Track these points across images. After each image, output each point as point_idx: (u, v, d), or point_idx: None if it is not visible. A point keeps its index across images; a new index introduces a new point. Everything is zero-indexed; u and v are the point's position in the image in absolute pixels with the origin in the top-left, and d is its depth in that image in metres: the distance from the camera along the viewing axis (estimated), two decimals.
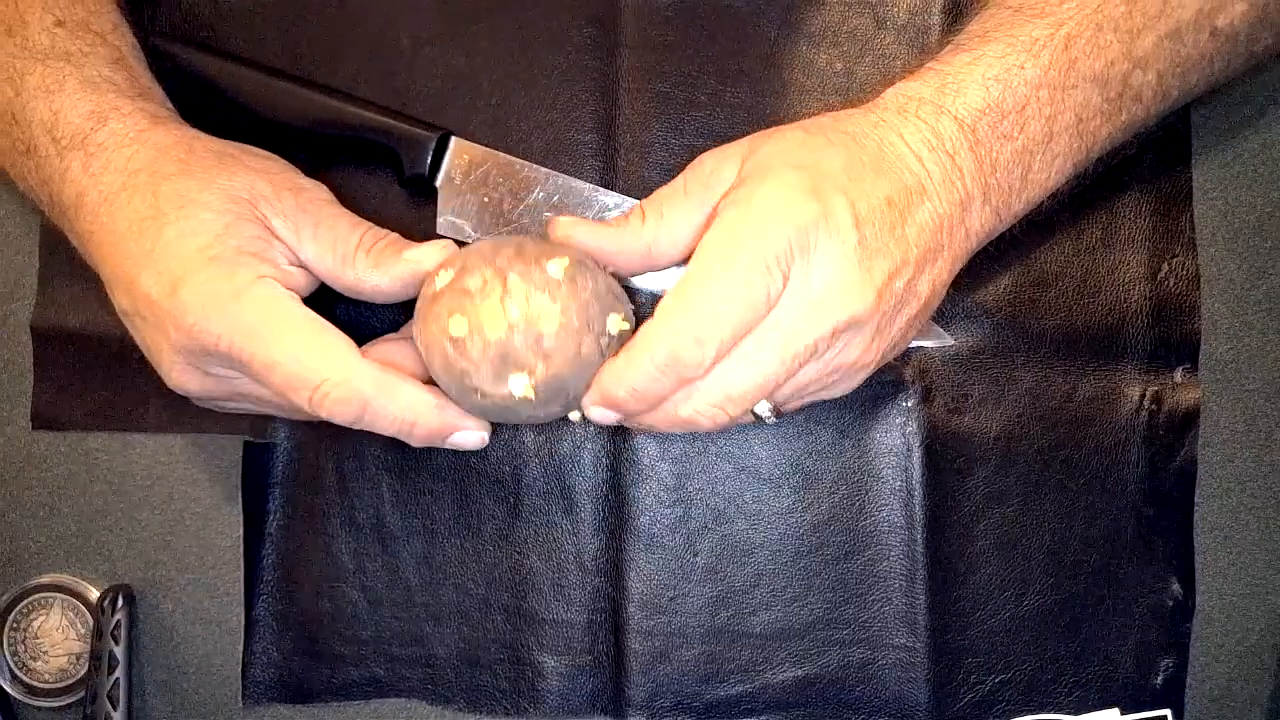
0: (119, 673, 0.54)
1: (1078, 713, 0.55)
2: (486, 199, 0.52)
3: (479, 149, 0.52)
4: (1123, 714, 0.55)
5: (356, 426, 0.45)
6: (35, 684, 0.56)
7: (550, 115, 0.54)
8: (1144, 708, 0.55)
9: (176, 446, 0.56)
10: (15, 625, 0.56)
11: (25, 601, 0.56)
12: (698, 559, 0.55)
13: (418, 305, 0.46)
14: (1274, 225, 0.56)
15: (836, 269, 0.42)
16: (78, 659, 0.56)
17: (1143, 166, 0.55)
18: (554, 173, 0.52)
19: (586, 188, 0.52)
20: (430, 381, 0.46)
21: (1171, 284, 0.55)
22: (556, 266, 0.44)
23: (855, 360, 0.45)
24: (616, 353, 0.44)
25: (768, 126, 0.54)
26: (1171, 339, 0.55)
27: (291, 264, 0.46)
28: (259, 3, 0.55)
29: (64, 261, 0.55)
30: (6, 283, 0.57)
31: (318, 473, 0.55)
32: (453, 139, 0.52)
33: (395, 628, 0.55)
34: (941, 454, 0.55)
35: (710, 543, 0.55)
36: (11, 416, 0.57)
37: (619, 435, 0.55)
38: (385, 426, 0.45)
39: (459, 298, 0.43)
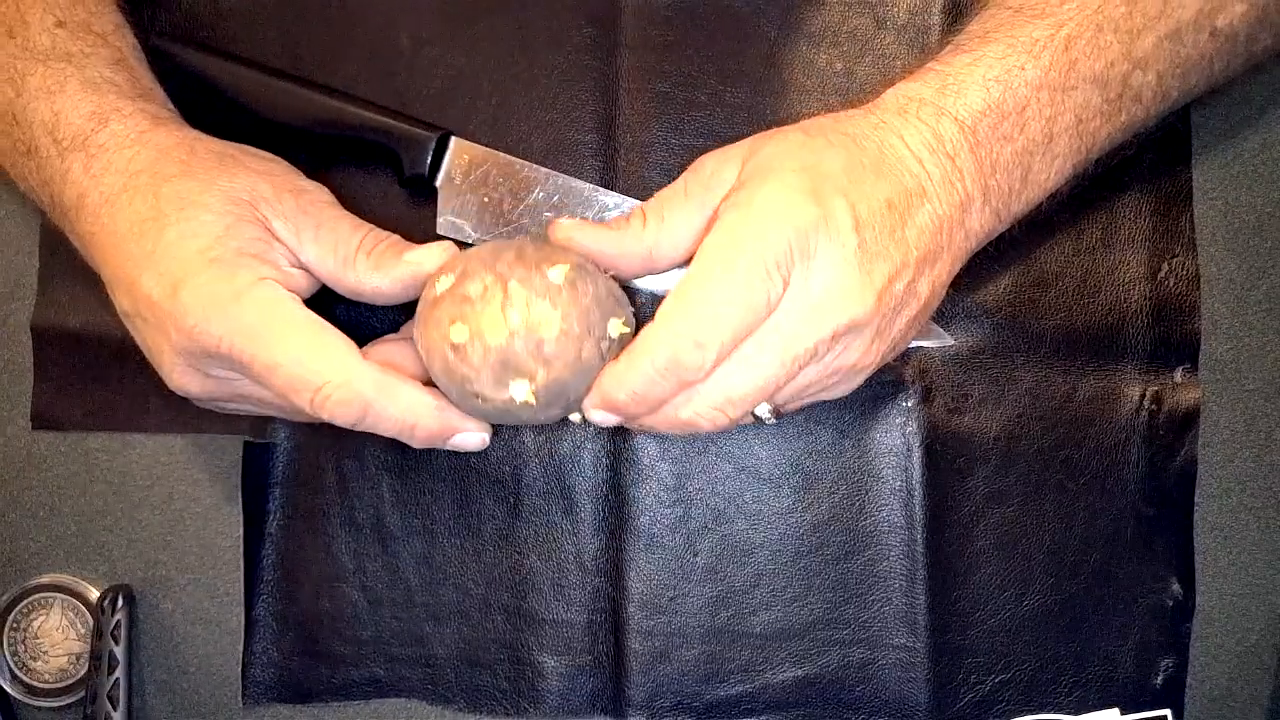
0: (119, 673, 0.54)
1: (1078, 713, 0.55)
2: (486, 199, 0.52)
3: (479, 149, 0.52)
4: (1123, 714, 0.55)
5: (358, 428, 0.45)
6: (35, 684, 0.56)
7: (550, 115, 0.54)
8: (1144, 708, 0.55)
9: (176, 446, 0.56)
10: (15, 625, 0.56)
11: (25, 601, 0.56)
12: (698, 559, 0.55)
13: (418, 309, 0.46)
14: (1274, 225, 0.56)
15: (836, 272, 0.42)
16: (78, 659, 0.56)
17: (1143, 166, 0.55)
18: (554, 173, 0.52)
19: (586, 188, 0.52)
20: (431, 383, 0.46)
21: (1171, 284, 0.55)
22: (557, 272, 0.44)
23: (855, 362, 0.45)
24: (617, 356, 0.44)
25: (768, 126, 0.54)
26: (1171, 339, 0.55)
27: (293, 265, 0.46)
28: (259, 3, 0.55)
29: (64, 262, 0.55)
30: (6, 283, 0.57)
31: (318, 473, 0.55)
32: (453, 139, 0.52)
33: (395, 628, 0.55)
34: (941, 454, 0.55)
35: (710, 543, 0.55)
36: (11, 416, 0.57)
37: (619, 435, 0.55)
38: (386, 428, 0.45)
39: (460, 304, 0.43)
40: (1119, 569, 0.55)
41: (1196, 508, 0.55)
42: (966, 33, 0.47)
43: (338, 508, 0.55)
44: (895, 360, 0.51)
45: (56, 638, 0.56)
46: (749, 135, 0.51)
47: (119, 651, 0.54)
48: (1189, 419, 0.55)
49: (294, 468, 0.55)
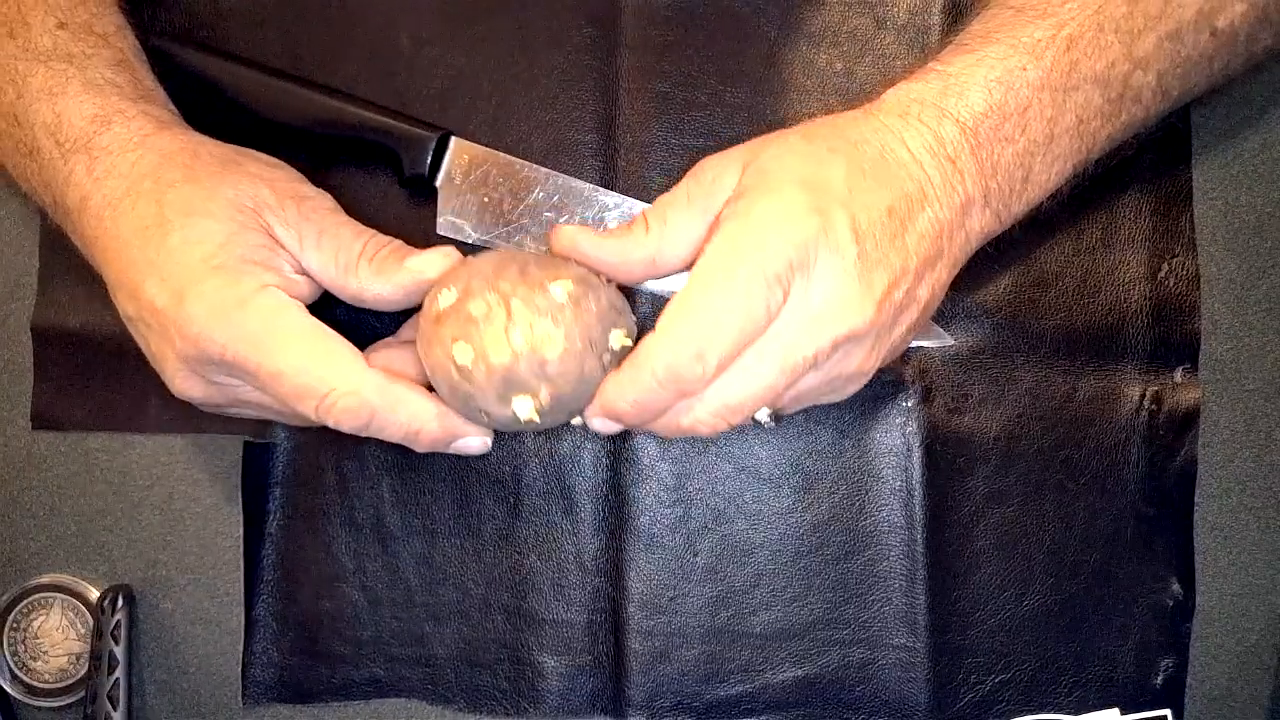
0: (119, 673, 0.54)
1: (1078, 713, 0.55)
2: (486, 199, 0.52)
3: (479, 149, 0.52)
4: (1123, 714, 0.55)
5: (362, 434, 0.45)
6: (35, 684, 0.56)
7: (550, 115, 0.54)
8: (1144, 708, 0.55)
9: (176, 446, 0.56)
10: (15, 625, 0.56)
11: (25, 601, 0.56)
12: (698, 559, 0.55)
13: (421, 324, 0.46)
14: (1274, 225, 0.56)
15: (836, 283, 0.42)
16: (78, 659, 0.56)
17: (1143, 166, 0.55)
18: (554, 173, 0.52)
19: (586, 188, 0.52)
20: (433, 387, 0.46)
21: (1171, 284, 0.55)
22: (560, 289, 0.44)
23: (855, 369, 0.45)
24: (619, 365, 0.44)
25: (768, 126, 0.54)
26: (1171, 339, 0.55)
27: (296, 272, 0.46)
28: (259, 3, 0.55)
29: (64, 262, 0.55)
30: (6, 283, 0.57)
31: (318, 473, 0.55)
32: (453, 139, 0.52)
33: (395, 628, 0.55)
34: (941, 454, 0.55)
35: (710, 543, 0.55)
36: (11, 416, 0.57)
37: (619, 435, 0.55)
38: (391, 434, 0.45)
39: (464, 324, 0.43)
40: (1119, 569, 0.55)
41: (1196, 508, 0.55)
42: (968, 32, 0.47)
43: (338, 508, 0.55)
44: (895, 360, 0.51)
45: (56, 638, 0.56)
46: (749, 135, 0.50)
47: (119, 651, 0.54)
48: (1189, 419, 0.55)
49: (294, 468, 0.55)
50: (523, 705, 0.55)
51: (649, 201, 0.52)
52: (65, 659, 0.56)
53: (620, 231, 0.46)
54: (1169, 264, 0.55)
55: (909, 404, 0.55)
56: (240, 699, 0.56)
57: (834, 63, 0.55)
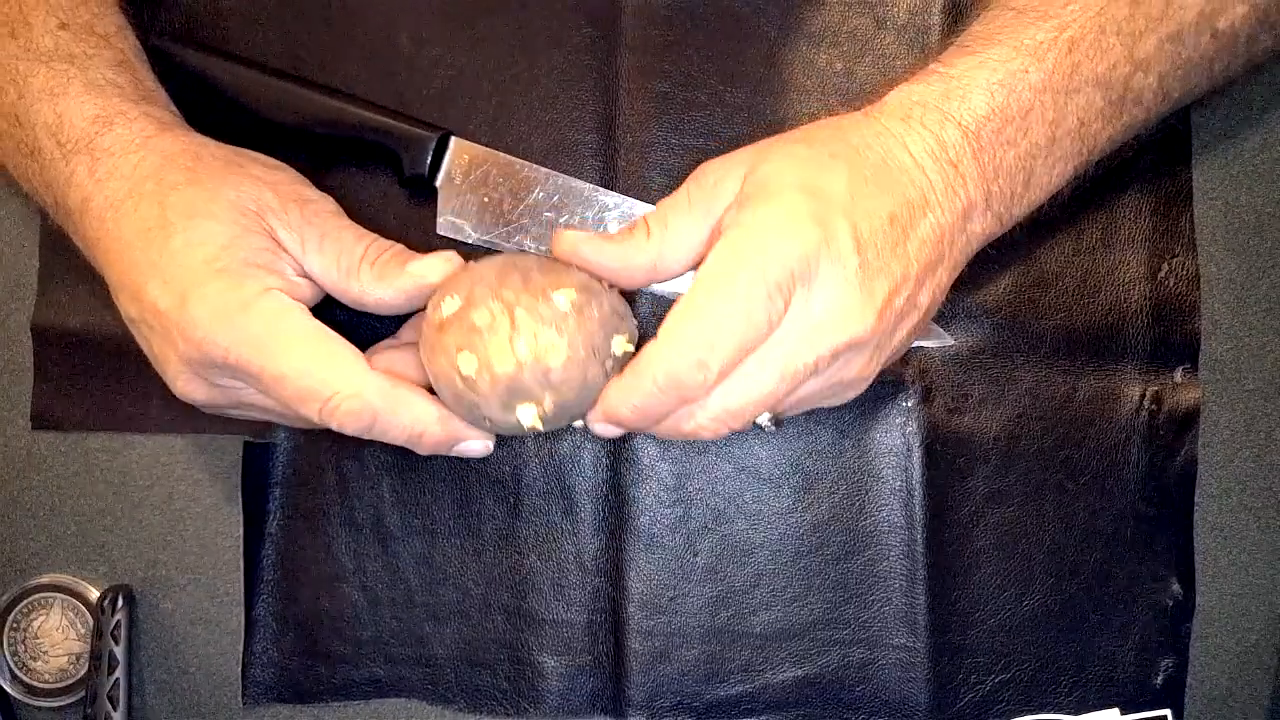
0: (119, 673, 0.54)
1: (1078, 713, 0.55)
2: (486, 199, 0.52)
3: (479, 149, 0.52)
4: (1123, 714, 0.55)
5: (365, 437, 0.45)
6: (35, 684, 0.56)
7: (550, 115, 0.54)
8: (1144, 708, 0.55)
9: (176, 446, 0.56)
10: (15, 625, 0.56)
11: (25, 601, 0.56)
12: (698, 559, 0.55)
13: (424, 330, 0.46)
14: (1274, 225, 0.56)
15: (837, 293, 0.42)
16: (78, 659, 0.56)
17: (1143, 167, 0.55)
18: (554, 173, 0.52)
19: (586, 188, 0.52)
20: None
21: (1171, 284, 0.55)
22: (563, 298, 0.44)
23: (855, 375, 0.45)
24: (621, 371, 0.45)
25: (768, 126, 0.54)
26: (1171, 339, 0.55)
27: (298, 275, 0.46)
28: (259, 3, 0.55)
29: (64, 262, 0.55)
30: (6, 283, 0.57)
31: (318, 473, 0.55)
32: (453, 139, 0.52)
33: (395, 628, 0.55)
34: (941, 454, 0.55)
35: (710, 543, 0.55)
36: (11, 416, 0.57)
37: (619, 436, 0.55)
38: (394, 437, 0.45)
39: (468, 333, 0.43)
40: (1119, 569, 0.55)
41: (1196, 508, 0.55)
42: (970, 34, 0.47)
43: (338, 508, 0.55)
44: (895, 361, 0.51)
45: (56, 638, 0.56)
46: (749, 135, 0.50)
47: (119, 651, 0.54)
48: (1189, 419, 0.55)
49: (294, 468, 0.55)
50: (523, 705, 0.55)
51: (649, 201, 0.52)
52: (65, 659, 0.56)
53: (621, 236, 0.46)
54: (1169, 264, 0.55)
55: (909, 404, 0.55)
56: (240, 699, 0.56)
57: (834, 63, 0.54)
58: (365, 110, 0.52)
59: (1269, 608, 0.56)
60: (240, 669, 0.56)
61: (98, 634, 0.55)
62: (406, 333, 0.49)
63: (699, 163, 0.46)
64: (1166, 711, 0.55)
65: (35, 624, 0.56)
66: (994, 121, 0.44)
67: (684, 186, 0.46)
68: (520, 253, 0.47)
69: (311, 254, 0.46)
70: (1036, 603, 0.55)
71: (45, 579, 0.56)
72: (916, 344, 0.53)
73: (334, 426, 0.44)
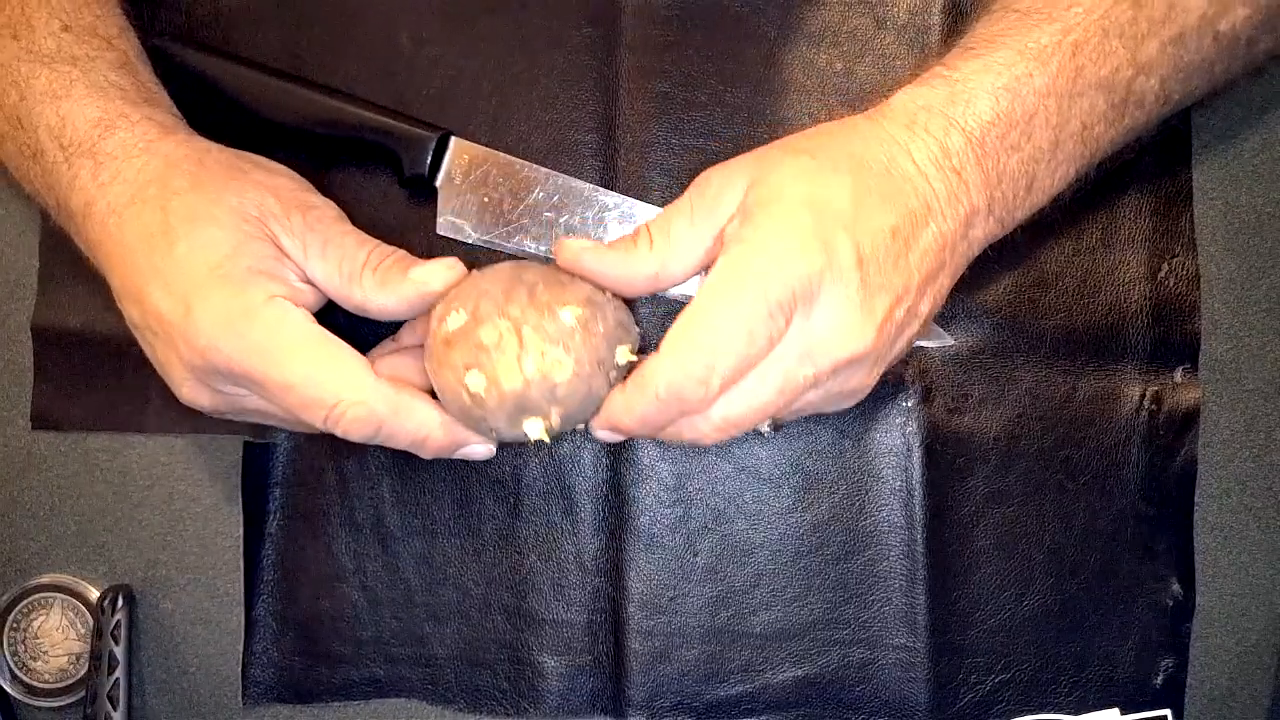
0: (119, 673, 0.54)
1: (1078, 713, 0.55)
2: (486, 199, 0.52)
3: (479, 149, 0.52)
4: (1123, 714, 0.55)
5: (370, 442, 0.45)
6: (35, 684, 0.56)
7: (550, 115, 0.54)
8: (1144, 708, 0.55)
9: (176, 446, 0.56)
10: (15, 625, 0.56)
11: (25, 601, 0.56)
12: (698, 559, 0.55)
13: (429, 342, 0.46)
14: (1274, 225, 0.56)
15: (838, 311, 0.43)
16: (78, 659, 0.56)
17: (1143, 167, 0.55)
18: (554, 173, 0.52)
19: (586, 188, 0.52)
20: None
21: (1171, 284, 0.55)
22: (569, 315, 0.44)
23: (855, 386, 0.46)
24: (624, 379, 0.45)
25: (768, 126, 0.54)
26: (1171, 339, 0.55)
27: (301, 281, 0.46)
28: (259, 3, 0.55)
29: (64, 262, 0.55)
30: (6, 283, 0.57)
31: (318, 473, 0.55)
32: (453, 139, 0.52)
33: (395, 628, 0.55)
34: (941, 454, 0.55)
35: (710, 543, 0.55)
36: (11, 416, 0.56)
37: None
38: (399, 442, 0.45)
39: (475, 351, 0.44)
40: (1119, 569, 0.55)
41: (1196, 508, 0.55)
42: (974, 35, 0.47)
43: (338, 508, 0.55)
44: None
45: (56, 638, 0.56)
46: (749, 135, 0.50)
47: (119, 651, 0.54)
48: (1189, 419, 0.55)
49: (294, 468, 0.55)
50: (523, 705, 0.55)
51: (649, 201, 0.52)
52: (65, 659, 0.56)
53: (624, 246, 0.46)
54: (1169, 264, 0.55)
55: (909, 404, 0.55)
56: (240, 699, 0.56)
57: (834, 63, 0.54)
58: (365, 110, 0.52)
59: (1269, 608, 0.56)
60: (240, 669, 0.56)
61: (98, 634, 0.55)
62: (406, 335, 0.49)
63: (699, 162, 0.46)
64: (1166, 711, 0.55)
65: (35, 624, 0.56)
66: (998, 127, 0.44)
67: (686, 194, 0.46)
68: (524, 262, 0.47)
69: (314, 260, 0.46)
70: (1036, 603, 0.55)
71: (45, 579, 0.56)
72: (917, 344, 0.53)
73: (339, 433, 0.44)
